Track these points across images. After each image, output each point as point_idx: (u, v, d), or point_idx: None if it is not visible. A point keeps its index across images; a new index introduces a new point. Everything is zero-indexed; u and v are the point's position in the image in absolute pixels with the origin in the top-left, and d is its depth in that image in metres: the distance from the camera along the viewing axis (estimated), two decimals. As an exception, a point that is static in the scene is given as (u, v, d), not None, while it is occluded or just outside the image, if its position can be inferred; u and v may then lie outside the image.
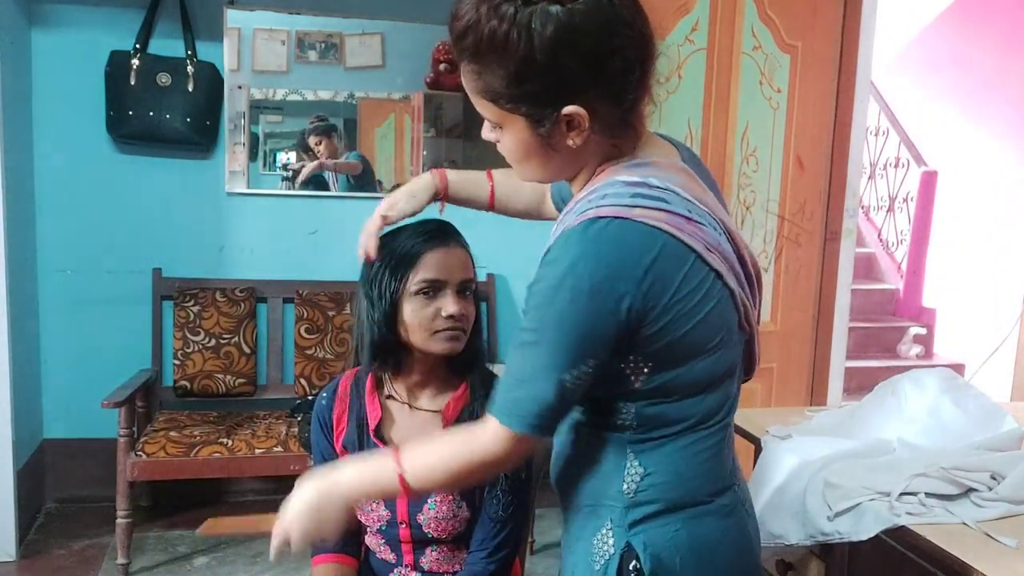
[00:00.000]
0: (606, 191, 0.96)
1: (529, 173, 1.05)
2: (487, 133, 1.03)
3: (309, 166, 3.21)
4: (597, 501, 1.04)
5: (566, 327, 0.93)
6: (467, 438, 1.02)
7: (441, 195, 1.34)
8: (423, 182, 1.34)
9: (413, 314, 1.33)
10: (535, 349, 0.95)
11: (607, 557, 1.01)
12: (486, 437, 0.99)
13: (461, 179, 1.38)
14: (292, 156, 3.22)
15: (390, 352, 1.38)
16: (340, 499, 1.08)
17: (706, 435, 1.03)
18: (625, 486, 1.01)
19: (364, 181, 3.28)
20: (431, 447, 1.05)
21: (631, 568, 1.00)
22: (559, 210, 1.35)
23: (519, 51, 0.90)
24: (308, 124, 3.21)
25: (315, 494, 1.09)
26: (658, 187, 0.96)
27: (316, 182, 3.24)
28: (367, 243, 1.31)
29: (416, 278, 1.33)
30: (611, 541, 1.02)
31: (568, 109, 0.93)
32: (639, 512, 1.01)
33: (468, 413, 1.40)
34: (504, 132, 0.99)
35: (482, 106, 0.99)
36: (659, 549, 1.00)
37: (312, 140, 3.22)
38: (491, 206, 1.41)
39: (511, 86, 0.93)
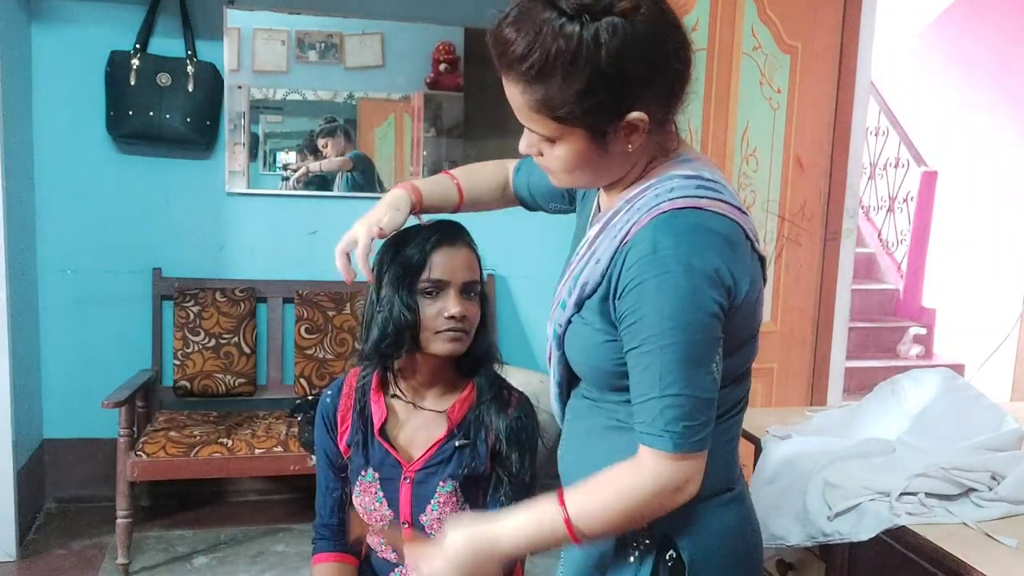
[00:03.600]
0: (670, 184, 0.98)
1: (577, 181, 1.03)
2: (527, 148, 1.02)
3: (301, 171, 3.21)
4: None
5: (695, 319, 0.92)
6: (633, 469, 0.96)
7: (417, 208, 1.32)
8: (401, 195, 1.29)
9: (416, 314, 1.33)
10: (669, 354, 0.92)
11: (643, 549, 1.03)
12: (652, 466, 0.95)
13: (430, 187, 1.35)
14: (292, 156, 3.22)
15: (394, 351, 1.38)
16: (499, 556, 1.02)
17: (732, 424, 1.06)
18: None
19: (367, 181, 3.28)
20: (596, 485, 0.99)
21: (667, 558, 1.02)
22: (521, 197, 1.39)
23: (587, 67, 0.90)
24: (319, 125, 3.21)
25: (471, 551, 1.01)
26: (710, 179, 0.99)
27: (317, 182, 3.24)
28: (361, 265, 1.27)
29: (420, 278, 1.33)
30: (646, 532, 1.03)
31: (632, 116, 0.94)
32: None
33: (474, 415, 1.40)
34: (558, 145, 0.98)
35: (536, 122, 0.97)
36: (694, 537, 1.02)
37: (320, 142, 3.22)
38: (459, 207, 1.39)
39: (578, 101, 0.92)
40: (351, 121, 3.23)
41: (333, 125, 3.23)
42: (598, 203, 1.12)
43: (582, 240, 1.08)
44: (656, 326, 0.92)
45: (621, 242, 0.98)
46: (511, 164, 1.41)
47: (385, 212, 1.27)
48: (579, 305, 1.03)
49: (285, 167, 3.22)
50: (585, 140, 0.96)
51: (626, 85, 0.92)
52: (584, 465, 1.07)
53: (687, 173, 0.99)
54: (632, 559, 1.05)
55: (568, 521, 0.97)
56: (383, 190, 3.27)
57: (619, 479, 0.97)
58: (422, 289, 1.33)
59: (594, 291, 1.01)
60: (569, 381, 1.14)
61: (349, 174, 3.28)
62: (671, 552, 1.02)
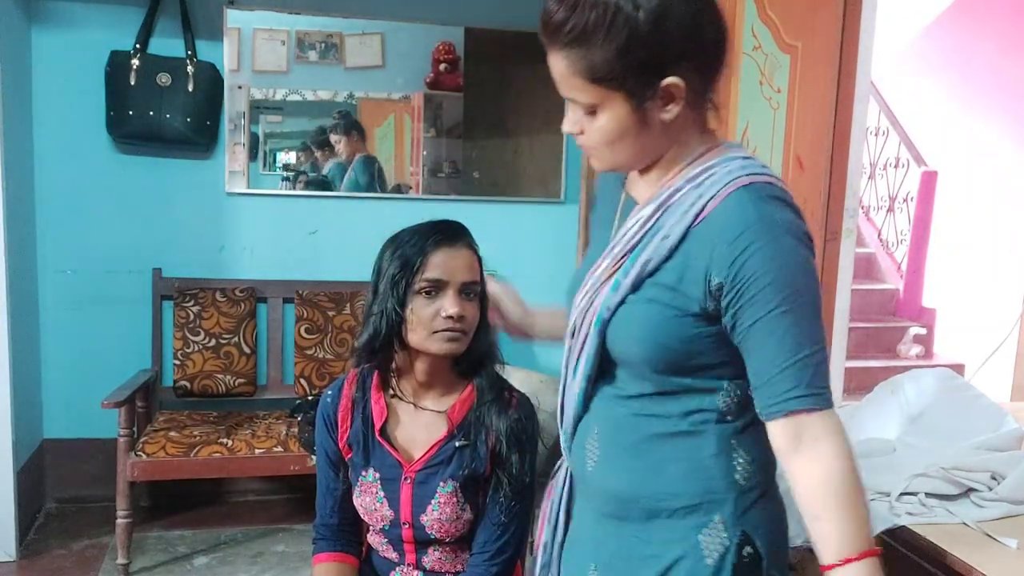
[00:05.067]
0: (739, 163, 1.01)
1: (619, 156, 1.04)
2: (569, 126, 1.04)
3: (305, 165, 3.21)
4: (702, 499, 1.03)
5: (813, 277, 0.97)
6: (815, 456, 0.95)
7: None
8: (527, 325, 1.40)
9: (413, 313, 1.33)
10: (805, 311, 0.95)
11: (722, 550, 1.02)
12: (827, 429, 0.95)
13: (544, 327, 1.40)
14: (293, 156, 3.22)
15: (389, 349, 1.38)
16: None
17: None
18: (738, 476, 1.03)
19: (380, 182, 3.28)
20: (817, 513, 0.95)
21: (745, 555, 1.02)
22: None
23: (626, 25, 0.94)
24: (331, 120, 3.21)
25: None
26: (763, 164, 1.03)
27: (317, 183, 3.24)
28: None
29: (418, 277, 1.33)
30: (725, 534, 1.02)
31: (668, 80, 0.96)
32: (748, 499, 1.03)
33: (474, 415, 1.40)
34: (599, 114, 1.00)
35: (579, 89, 0.99)
36: (765, 531, 1.04)
37: (333, 137, 3.22)
38: None
39: (617, 60, 0.95)
40: (351, 121, 3.23)
41: (347, 121, 3.22)
42: (627, 194, 1.12)
43: (617, 231, 1.08)
44: (788, 286, 0.94)
45: (697, 217, 0.98)
46: None
47: (511, 301, 1.38)
48: (636, 286, 1.02)
49: (285, 167, 3.22)
50: (625, 106, 0.98)
51: (663, 48, 0.95)
52: (632, 482, 1.06)
53: (748, 155, 1.04)
54: (709, 561, 1.02)
55: (859, 556, 0.92)
56: (387, 190, 3.28)
57: (819, 482, 0.95)
58: (420, 289, 1.33)
59: (658, 267, 1.00)
60: (596, 378, 1.10)
61: (354, 174, 3.27)
62: (748, 548, 1.02)
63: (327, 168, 3.25)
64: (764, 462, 1.05)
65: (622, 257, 1.04)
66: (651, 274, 1.01)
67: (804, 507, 0.96)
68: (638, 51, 0.95)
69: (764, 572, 1.03)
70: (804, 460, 0.95)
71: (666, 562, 1.03)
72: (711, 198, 0.98)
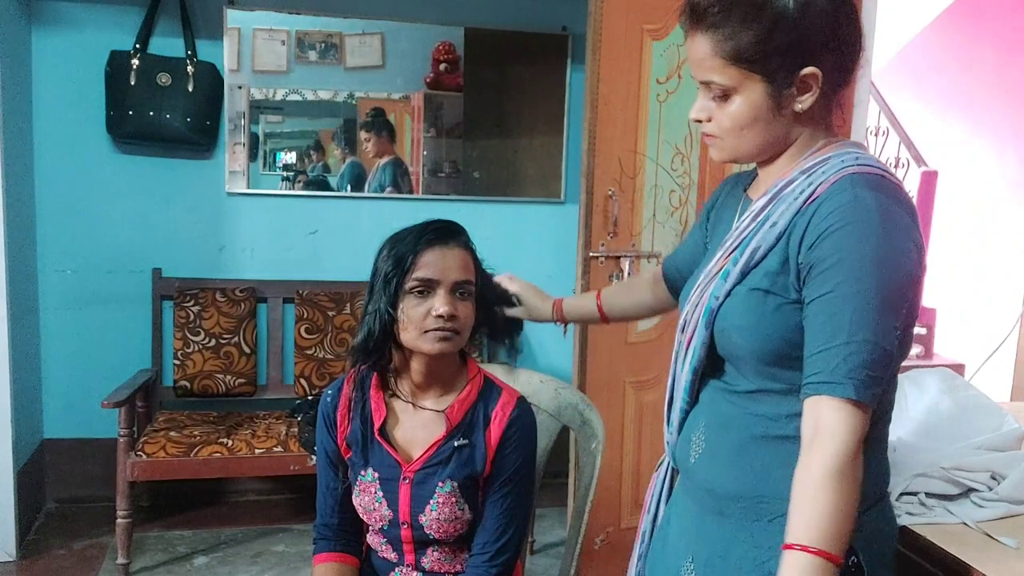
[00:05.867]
0: (854, 155, 1.02)
1: (745, 143, 1.05)
2: (699, 112, 1.06)
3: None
4: None
5: (894, 265, 0.93)
6: (812, 446, 0.93)
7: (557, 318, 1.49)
8: (546, 309, 1.47)
9: (405, 312, 1.34)
10: (863, 298, 0.92)
11: None
12: (830, 421, 0.91)
13: (573, 310, 1.50)
14: (293, 156, 3.22)
15: (384, 349, 1.38)
16: None
17: (887, 424, 1.08)
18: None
19: (405, 186, 3.29)
20: (798, 500, 0.93)
21: (850, 564, 0.99)
22: (670, 280, 1.39)
23: (775, 8, 0.97)
24: (361, 118, 3.21)
25: None
26: (878, 160, 1.04)
27: (317, 183, 3.24)
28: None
29: (409, 276, 1.33)
30: None
31: (807, 69, 0.99)
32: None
33: (473, 415, 1.40)
34: (733, 98, 1.02)
35: (719, 71, 1.01)
36: (870, 542, 1.02)
37: (362, 135, 3.22)
38: (603, 318, 1.50)
39: (762, 43, 0.98)
40: (351, 121, 3.23)
41: (379, 120, 3.22)
42: (747, 196, 1.14)
43: (730, 231, 1.10)
44: (855, 269, 0.92)
45: (805, 202, 0.99)
46: (658, 268, 1.46)
47: (530, 293, 1.42)
48: (744, 274, 1.03)
49: (286, 167, 3.22)
50: (762, 91, 1.00)
51: (807, 35, 0.98)
52: (736, 480, 1.06)
53: (864, 150, 1.04)
54: None
55: (814, 551, 0.90)
56: (410, 192, 3.28)
57: (812, 467, 0.92)
58: (411, 288, 1.33)
59: (765, 255, 1.02)
60: (702, 372, 1.11)
61: (380, 175, 3.27)
62: (852, 558, 1.00)
63: (343, 167, 3.24)
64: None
65: (733, 249, 1.06)
66: (758, 263, 1.02)
67: (792, 488, 0.94)
68: (784, 35, 0.97)
69: None
70: (810, 444, 0.93)
71: (766, 570, 1.00)
72: (819, 184, 0.99)
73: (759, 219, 1.04)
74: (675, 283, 1.36)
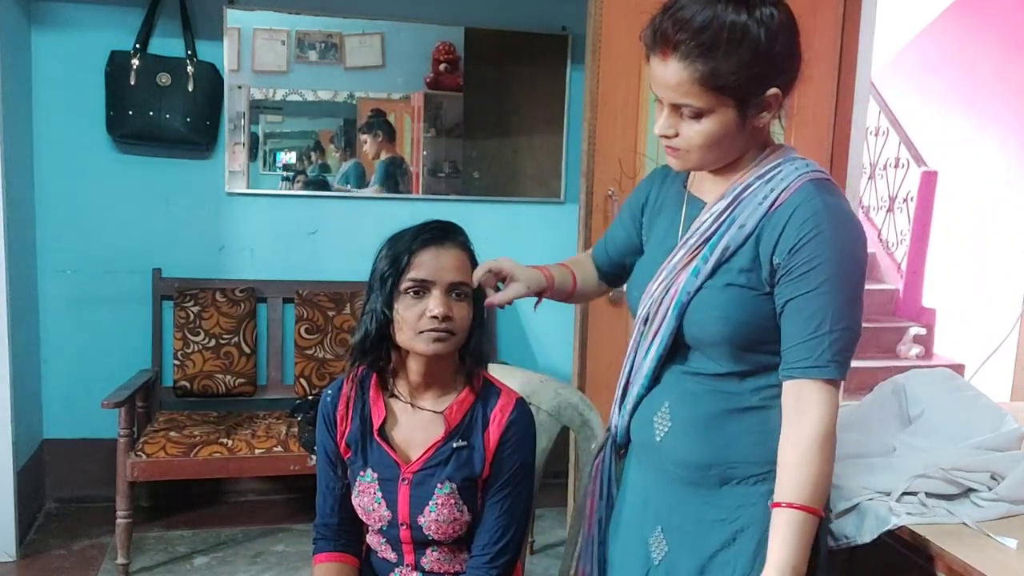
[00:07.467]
0: (804, 162, 1.16)
1: (710, 156, 1.16)
2: (664, 128, 1.14)
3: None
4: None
5: (863, 263, 1.11)
6: (801, 418, 1.09)
7: (548, 292, 1.42)
8: (539, 277, 1.40)
9: (400, 313, 1.34)
10: (845, 292, 1.08)
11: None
12: (819, 398, 1.09)
13: (558, 273, 1.45)
14: (292, 156, 3.22)
15: (381, 349, 1.38)
16: None
17: None
18: None
19: (404, 184, 3.29)
20: (785, 461, 1.10)
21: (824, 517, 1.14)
22: (600, 265, 1.46)
23: (755, 39, 1.07)
24: (361, 118, 3.21)
25: None
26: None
27: (317, 183, 3.24)
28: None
29: (404, 276, 1.33)
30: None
31: (771, 91, 1.11)
32: None
33: (471, 416, 1.40)
34: (706, 119, 1.11)
35: (695, 96, 1.10)
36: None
37: (361, 137, 3.22)
38: (572, 295, 1.49)
39: (741, 71, 1.07)
40: (351, 121, 3.23)
41: (379, 120, 3.22)
42: (690, 193, 1.24)
43: (686, 226, 1.21)
44: (837, 268, 1.08)
45: (771, 207, 1.12)
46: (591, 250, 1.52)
47: (518, 271, 1.36)
48: (714, 271, 1.15)
49: (285, 167, 3.22)
50: (733, 113, 1.11)
51: (774, 62, 1.10)
52: (707, 451, 1.18)
53: (801, 157, 1.18)
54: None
55: (801, 507, 1.07)
56: (410, 192, 3.28)
57: (799, 438, 1.09)
58: (406, 288, 1.33)
59: (735, 253, 1.14)
60: (666, 358, 1.21)
61: (383, 174, 3.28)
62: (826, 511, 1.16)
63: (344, 167, 3.24)
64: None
65: (699, 247, 1.17)
66: (728, 260, 1.14)
67: (779, 456, 1.11)
68: (759, 64, 1.08)
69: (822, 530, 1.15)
70: (796, 418, 1.10)
71: (736, 527, 1.16)
72: (783, 190, 1.12)
73: (723, 220, 1.16)
74: (602, 267, 1.46)
